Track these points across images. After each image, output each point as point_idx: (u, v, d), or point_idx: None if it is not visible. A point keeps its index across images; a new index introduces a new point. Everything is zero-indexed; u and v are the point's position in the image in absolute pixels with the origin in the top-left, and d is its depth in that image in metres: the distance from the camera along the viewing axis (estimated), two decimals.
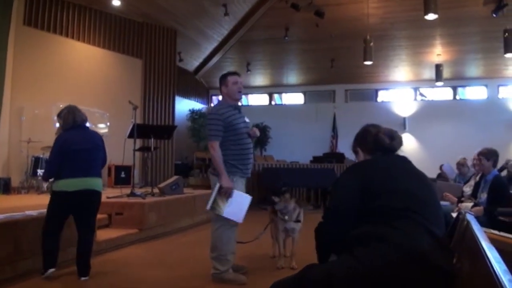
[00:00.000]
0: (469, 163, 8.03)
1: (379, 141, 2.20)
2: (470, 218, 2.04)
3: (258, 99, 19.73)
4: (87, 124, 4.73)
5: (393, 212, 1.85)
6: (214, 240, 4.27)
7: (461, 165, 8.20)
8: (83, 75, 11.08)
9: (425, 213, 1.88)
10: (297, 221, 4.83)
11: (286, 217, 4.77)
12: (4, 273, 4.11)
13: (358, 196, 1.98)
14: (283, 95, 19.55)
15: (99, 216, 5.93)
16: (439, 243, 1.82)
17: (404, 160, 2.20)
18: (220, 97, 4.56)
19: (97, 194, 4.40)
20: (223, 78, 4.40)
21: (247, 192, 4.37)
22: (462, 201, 5.56)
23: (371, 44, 12.81)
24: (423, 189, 2.03)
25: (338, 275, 1.76)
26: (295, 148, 16.34)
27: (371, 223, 1.85)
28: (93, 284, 4.20)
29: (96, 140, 4.53)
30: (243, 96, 19.67)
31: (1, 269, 4.09)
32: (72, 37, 10.93)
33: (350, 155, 14.87)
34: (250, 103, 19.76)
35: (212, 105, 19.65)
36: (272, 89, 19.33)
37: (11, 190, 8.75)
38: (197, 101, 18.21)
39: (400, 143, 2.24)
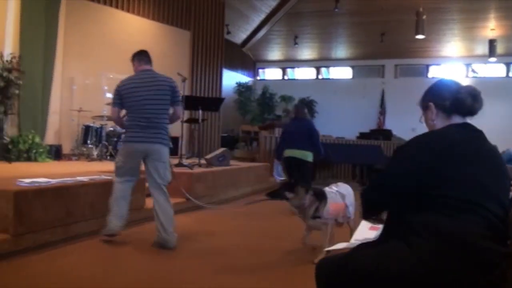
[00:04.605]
0: None
1: (459, 100, 1.90)
2: None
3: (305, 73, 19.55)
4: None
5: (456, 203, 1.70)
6: None
7: None
8: (132, 46, 10.98)
9: (491, 206, 1.72)
10: (315, 217, 4.13)
11: (301, 215, 4.22)
12: (55, 235, 4.26)
13: (420, 173, 1.77)
14: (331, 69, 19.28)
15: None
16: (499, 237, 1.70)
17: (480, 140, 1.90)
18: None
19: None
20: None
21: None
22: None
23: (424, 17, 12.40)
24: (496, 177, 1.83)
25: (389, 261, 1.70)
26: (341, 124, 16.15)
27: (430, 212, 1.72)
28: (139, 250, 4.31)
29: None
30: (290, 69, 19.57)
31: (53, 231, 4.24)
32: (122, 9, 11.01)
33: (398, 132, 14.65)
34: (296, 77, 19.62)
35: (258, 78, 19.60)
36: (319, 62, 19.09)
37: (62, 157, 9.00)
38: (244, 74, 18.18)
39: (482, 105, 1.93)
